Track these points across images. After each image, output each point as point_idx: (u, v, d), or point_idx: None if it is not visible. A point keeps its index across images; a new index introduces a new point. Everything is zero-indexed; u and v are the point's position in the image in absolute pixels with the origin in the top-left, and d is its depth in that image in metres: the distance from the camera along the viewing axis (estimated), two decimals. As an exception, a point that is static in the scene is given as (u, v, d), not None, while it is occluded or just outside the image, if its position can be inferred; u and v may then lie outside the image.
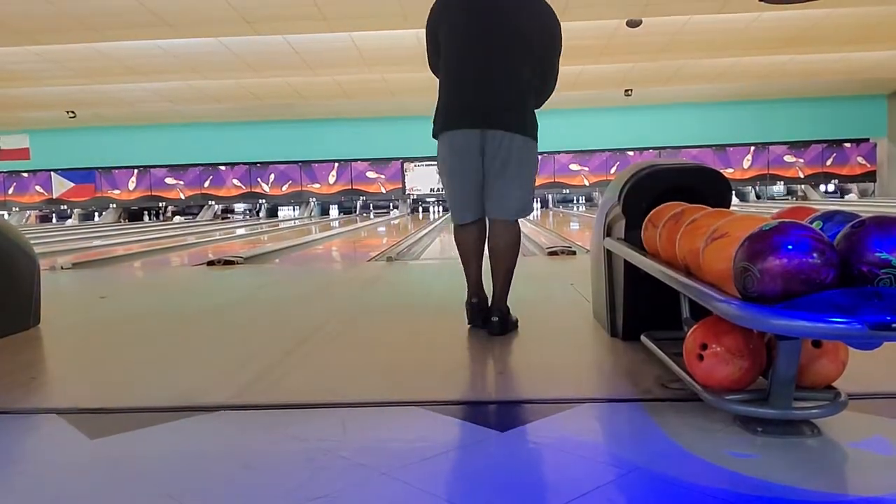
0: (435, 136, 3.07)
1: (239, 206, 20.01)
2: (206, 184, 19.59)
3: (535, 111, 3.06)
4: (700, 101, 17.90)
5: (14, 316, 3.39)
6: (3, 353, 3.01)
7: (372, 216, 18.67)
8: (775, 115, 18.29)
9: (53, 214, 20.18)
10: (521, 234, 3.15)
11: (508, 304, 3.08)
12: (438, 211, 18.96)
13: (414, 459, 1.69)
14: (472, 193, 3.02)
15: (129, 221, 19.39)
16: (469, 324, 3.12)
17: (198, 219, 19.15)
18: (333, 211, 19.76)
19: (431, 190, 19.21)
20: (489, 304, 3.08)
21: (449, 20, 3.04)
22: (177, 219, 19.56)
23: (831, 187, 19.10)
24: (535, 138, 3.01)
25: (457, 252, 3.20)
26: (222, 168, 19.44)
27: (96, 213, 20.06)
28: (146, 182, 19.80)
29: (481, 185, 3.00)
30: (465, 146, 2.95)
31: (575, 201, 19.50)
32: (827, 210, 1.86)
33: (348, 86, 14.37)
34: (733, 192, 3.09)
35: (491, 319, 2.98)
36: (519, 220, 3.10)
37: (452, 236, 3.19)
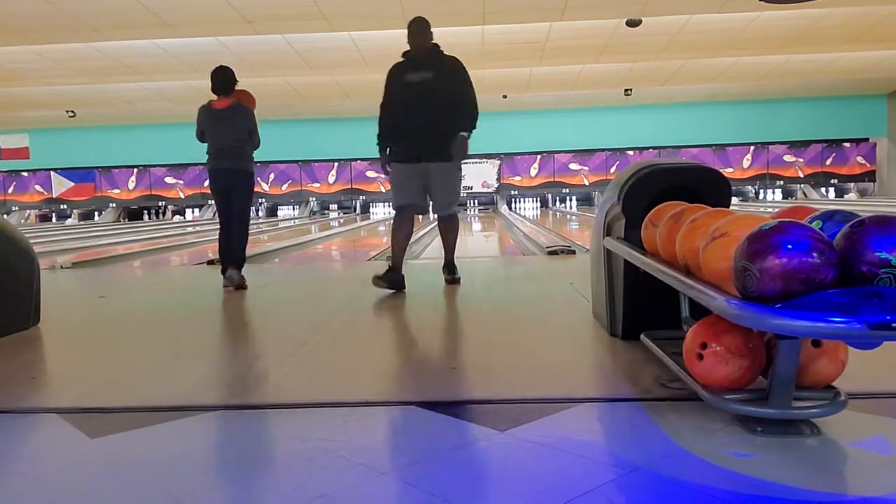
0: (385, 161, 4.57)
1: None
2: (206, 183, 19.54)
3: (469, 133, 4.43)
4: (700, 100, 17.90)
5: (14, 315, 3.39)
6: (2, 353, 3.01)
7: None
8: (775, 114, 18.30)
9: (53, 214, 20.18)
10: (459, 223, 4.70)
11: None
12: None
13: (413, 459, 1.69)
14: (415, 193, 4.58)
15: (128, 221, 19.37)
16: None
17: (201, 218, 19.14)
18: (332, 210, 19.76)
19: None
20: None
21: (396, 90, 4.54)
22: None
23: (831, 193, 19.11)
24: (458, 160, 4.51)
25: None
26: (222, 168, 19.39)
27: (96, 213, 20.05)
28: (146, 181, 19.79)
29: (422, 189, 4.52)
30: (411, 172, 4.48)
31: (568, 200, 19.49)
32: (827, 210, 1.86)
33: (348, 85, 14.36)
34: (733, 192, 3.08)
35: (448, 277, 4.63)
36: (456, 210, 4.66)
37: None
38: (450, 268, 4.61)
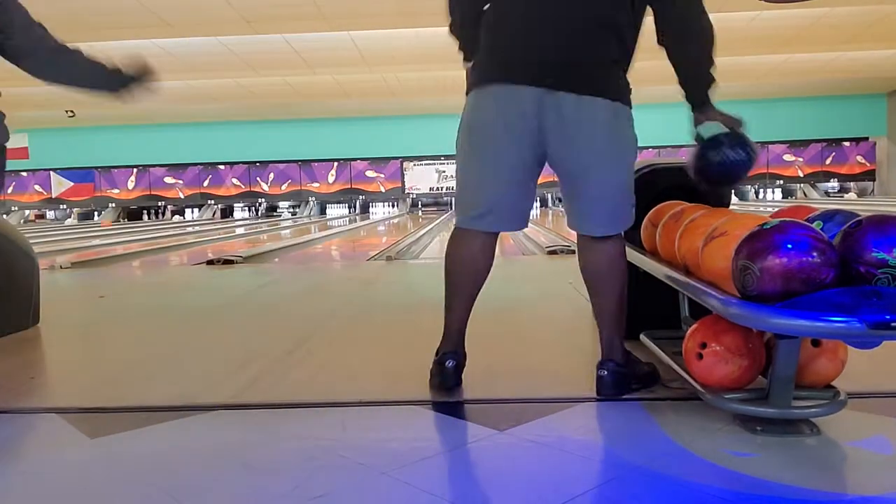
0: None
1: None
2: (206, 183, 19.58)
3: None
4: (699, 99, 17.87)
5: (13, 315, 3.39)
6: (2, 353, 3.00)
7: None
8: (774, 113, 18.28)
9: (54, 212, 20.17)
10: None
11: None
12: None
13: (413, 459, 1.69)
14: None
15: (128, 221, 19.37)
16: (433, 393, 2.18)
17: (199, 217, 19.14)
18: (331, 210, 19.78)
19: (430, 189, 19.21)
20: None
21: None
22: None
23: (832, 193, 19.10)
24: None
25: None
26: (221, 167, 19.43)
27: (95, 213, 20.05)
28: (145, 181, 19.79)
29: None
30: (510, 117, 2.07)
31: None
32: (827, 209, 1.87)
33: (348, 85, 14.36)
34: (732, 191, 3.08)
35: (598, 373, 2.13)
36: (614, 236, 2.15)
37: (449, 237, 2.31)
38: (612, 372, 2.11)
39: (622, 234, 2.17)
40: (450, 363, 2.19)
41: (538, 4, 2.06)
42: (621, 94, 2.12)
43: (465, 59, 2.28)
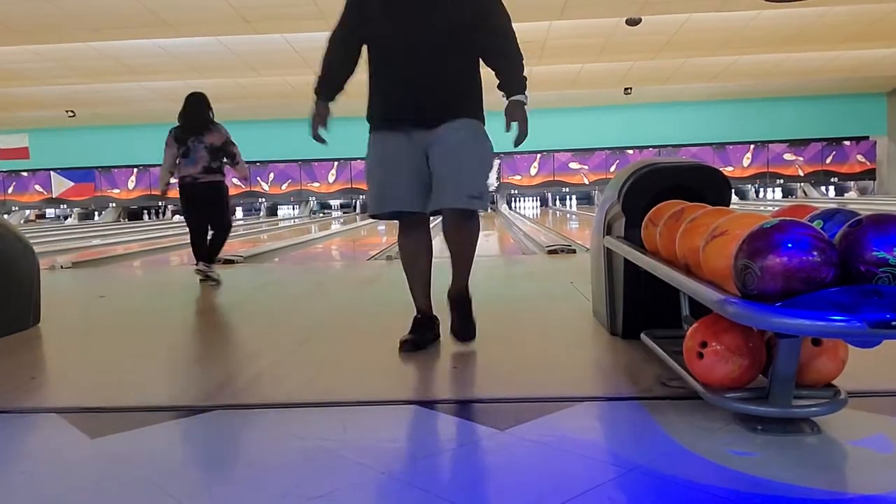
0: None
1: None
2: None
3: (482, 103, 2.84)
4: (699, 99, 17.89)
5: (14, 315, 3.39)
6: (2, 353, 3.00)
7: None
8: (775, 113, 18.29)
9: (57, 212, 20.18)
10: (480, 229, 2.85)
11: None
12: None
13: (413, 458, 1.69)
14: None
15: (128, 221, 19.38)
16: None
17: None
18: (281, 210, 19.79)
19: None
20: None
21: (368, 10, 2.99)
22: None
23: (831, 192, 19.11)
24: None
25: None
26: (221, 167, 19.41)
27: (96, 213, 20.05)
28: (146, 181, 19.79)
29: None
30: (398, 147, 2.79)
31: (568, 199, 19.48)
32: (827, 208, 1.86)
33: (348, 84, 14.34)
34: (733, 191, 3.08)
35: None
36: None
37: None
38: (459, 306, 2.73)
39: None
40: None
41: (410, 66, 2.76)
42: (475, 113, 2.79)
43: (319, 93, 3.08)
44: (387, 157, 2.78)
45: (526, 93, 2.73)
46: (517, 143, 2.69)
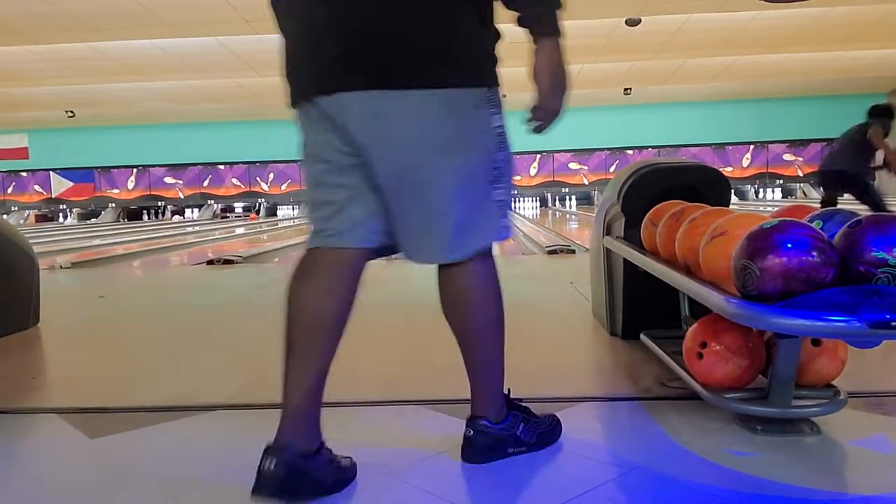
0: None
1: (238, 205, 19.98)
2: (206, 183, 19.60)
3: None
4: (699, 99, 17.89)
5: (13, 315, 3.39)
6: (2, 353, 3.01)
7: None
8: (774, 113, 18.30)
9: (59, 213, 20.18)
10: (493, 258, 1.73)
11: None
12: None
13: (413, 458, 1.69)
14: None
15: (128, 221, 19.37)
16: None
17: (198, 217, 19.14)
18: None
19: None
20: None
21: None
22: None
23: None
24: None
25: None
26: (221, 167, 19.44)
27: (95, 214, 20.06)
28: (145, 181, 19.79)
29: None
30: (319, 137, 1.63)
31: (568, 200, 19.49)
32: (827, 209, 1.87)
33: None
34: (732, 191, 3.09)
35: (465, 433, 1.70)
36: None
37: None
38: (481, 432, 1.68)
39: (490, 254, 1.70)
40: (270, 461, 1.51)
41: None
42: (454, 75, 1.49)
43: None
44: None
45: (559, 27, 1.51)
46: (539, 129, 1.61)
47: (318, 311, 1.62)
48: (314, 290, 1.63)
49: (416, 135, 1.48)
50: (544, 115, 1.57)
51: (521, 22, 1.53)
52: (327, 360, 1.65)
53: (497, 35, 1.58)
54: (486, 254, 1.68)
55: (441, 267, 1.68)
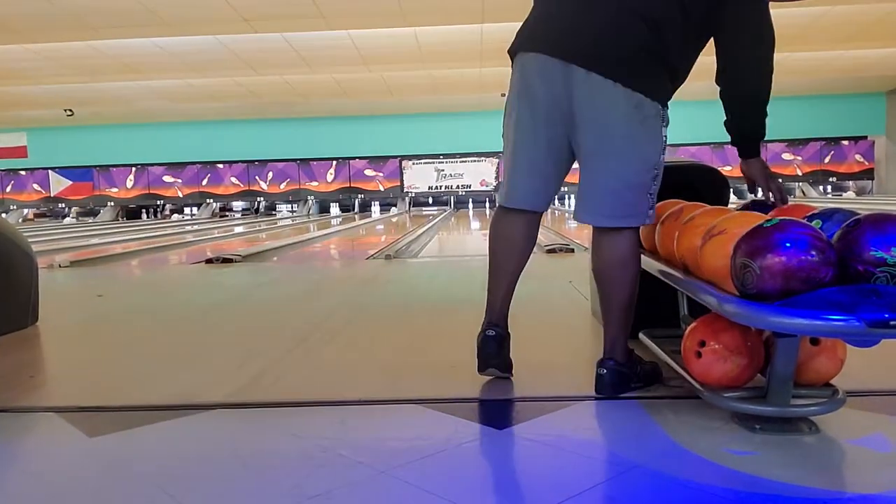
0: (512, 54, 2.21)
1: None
2: (205, 182, 19.59)
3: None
4: (697, 98, 17.84)
5: (12, 314, 3.39)
6: (1, 352, 3.00)
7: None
8: (773, 112, 17.73)
9: (64, 211, 20.17)
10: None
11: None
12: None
13: (413, 457, 1.69)
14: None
15: (126, 219, 19.36)
16: (480, 370, 2.22)
17: (197, 216, 19.13)
18: (334, 209, 19.79)
19: (430, 188, 19.21)
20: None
21: None
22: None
23: (830, 191, 19.12)
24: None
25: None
26: (220, 166, 19.43)
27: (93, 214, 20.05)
28: (144, 180, 19.78)
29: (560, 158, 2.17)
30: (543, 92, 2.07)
31: (566, 199, 19.44)
32: (826, 208, 1.87)
33: (346, 84, 14.35)
34: (731, 190, 3.09)
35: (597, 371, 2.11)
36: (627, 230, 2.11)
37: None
38: (612, 370, 2.09)
39: (636, 232, 2.15)
40: (490, 332, 2.21)
41: None
42: (648, 86, 2.02)
43: None
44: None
45: (756, 142, 2.37)
46: (784, 201, 2.26)
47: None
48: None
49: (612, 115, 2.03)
50: (779, 195, 2.32)
51: (732, 142, 2.29)
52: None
53: (683, 79, 2.21)
54: (635, 230, 2.14)
55: (599, 232, 2.15)
